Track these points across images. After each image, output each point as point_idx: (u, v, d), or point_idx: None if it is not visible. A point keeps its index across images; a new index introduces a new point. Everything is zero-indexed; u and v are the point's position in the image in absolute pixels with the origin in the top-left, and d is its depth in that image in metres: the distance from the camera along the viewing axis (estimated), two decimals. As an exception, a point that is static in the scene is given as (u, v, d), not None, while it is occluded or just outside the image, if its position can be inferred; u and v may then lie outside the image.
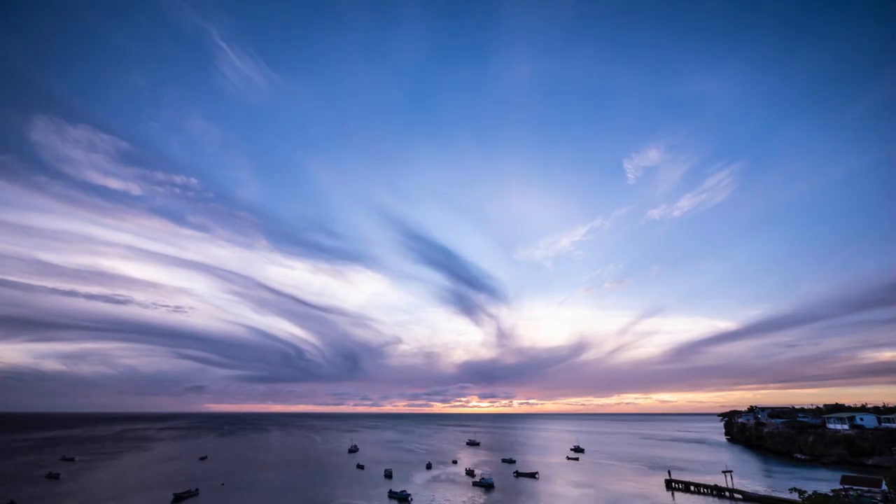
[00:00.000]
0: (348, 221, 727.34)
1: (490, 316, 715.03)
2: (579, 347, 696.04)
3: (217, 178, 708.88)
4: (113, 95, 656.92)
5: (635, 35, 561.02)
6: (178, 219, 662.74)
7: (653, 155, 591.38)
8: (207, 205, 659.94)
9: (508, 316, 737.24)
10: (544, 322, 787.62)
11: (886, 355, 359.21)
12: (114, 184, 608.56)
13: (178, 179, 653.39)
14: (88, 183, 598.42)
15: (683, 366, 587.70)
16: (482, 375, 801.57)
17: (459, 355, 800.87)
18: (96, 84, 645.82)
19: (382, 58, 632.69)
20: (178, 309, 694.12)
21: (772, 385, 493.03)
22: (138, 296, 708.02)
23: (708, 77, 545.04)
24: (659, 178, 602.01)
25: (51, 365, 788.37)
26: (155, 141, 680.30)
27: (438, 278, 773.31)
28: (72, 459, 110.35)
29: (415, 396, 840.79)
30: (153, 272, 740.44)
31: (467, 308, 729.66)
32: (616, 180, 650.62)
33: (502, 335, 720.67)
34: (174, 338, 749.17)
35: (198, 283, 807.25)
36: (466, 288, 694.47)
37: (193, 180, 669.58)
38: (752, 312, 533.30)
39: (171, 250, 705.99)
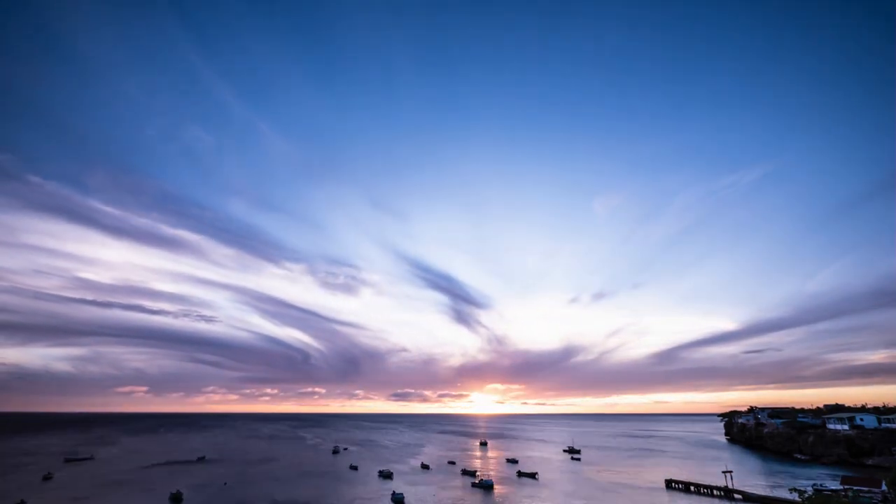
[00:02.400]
0: (362, 255, 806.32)
1: (484, 326, 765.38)
2: (573, 351, 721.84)
3: (241, 216, 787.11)
4: (163, 152, 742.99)
5: (591, 105, 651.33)
6: (205, 244, 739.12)
7: (615, 200, 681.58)
8: (233, 235, 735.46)
9: (501, 324, 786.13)
10: (537, 328, 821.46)
11: (880, 356, 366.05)
12: (155, 216, 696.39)
13: (208, 214, 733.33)
14: (132, 216, 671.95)
15: (677, 367, 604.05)
16: (480, 377, 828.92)
17: (457, 359, 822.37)
18: (147, 140, 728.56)
19: (386, 124, 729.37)
20: (210, 319, 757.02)
21: (769, 386, 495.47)
22: (170, 307, 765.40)
23: (653, 140, 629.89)
24: (624, 216, 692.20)
25: (60, 366, 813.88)
26: (191, 185, 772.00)
27: (439, 297, 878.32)
28: (74, 460, 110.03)
29: (413, 395, 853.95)
30: (185, 288, 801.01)
31: (463, 318, 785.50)
32: (589, 213, 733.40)
33: (497, 341, 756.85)
34: (194, 343, 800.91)
35: (221, 298, 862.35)
36: (463, 303, 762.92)
37: (222, 214, 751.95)
38: (746, 315, 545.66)
39: (201, 273, 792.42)
